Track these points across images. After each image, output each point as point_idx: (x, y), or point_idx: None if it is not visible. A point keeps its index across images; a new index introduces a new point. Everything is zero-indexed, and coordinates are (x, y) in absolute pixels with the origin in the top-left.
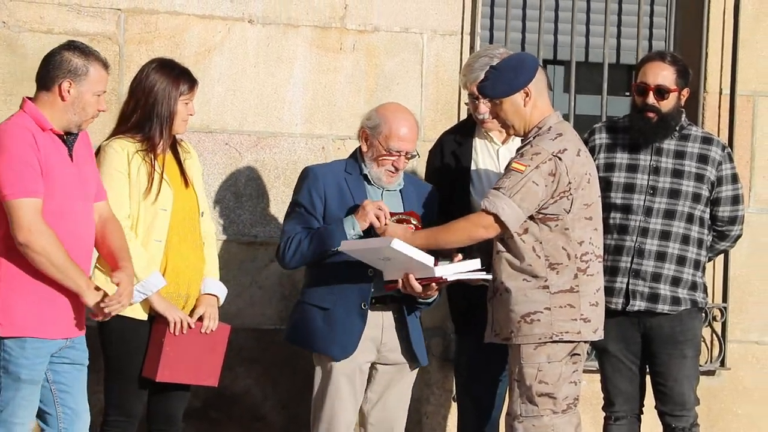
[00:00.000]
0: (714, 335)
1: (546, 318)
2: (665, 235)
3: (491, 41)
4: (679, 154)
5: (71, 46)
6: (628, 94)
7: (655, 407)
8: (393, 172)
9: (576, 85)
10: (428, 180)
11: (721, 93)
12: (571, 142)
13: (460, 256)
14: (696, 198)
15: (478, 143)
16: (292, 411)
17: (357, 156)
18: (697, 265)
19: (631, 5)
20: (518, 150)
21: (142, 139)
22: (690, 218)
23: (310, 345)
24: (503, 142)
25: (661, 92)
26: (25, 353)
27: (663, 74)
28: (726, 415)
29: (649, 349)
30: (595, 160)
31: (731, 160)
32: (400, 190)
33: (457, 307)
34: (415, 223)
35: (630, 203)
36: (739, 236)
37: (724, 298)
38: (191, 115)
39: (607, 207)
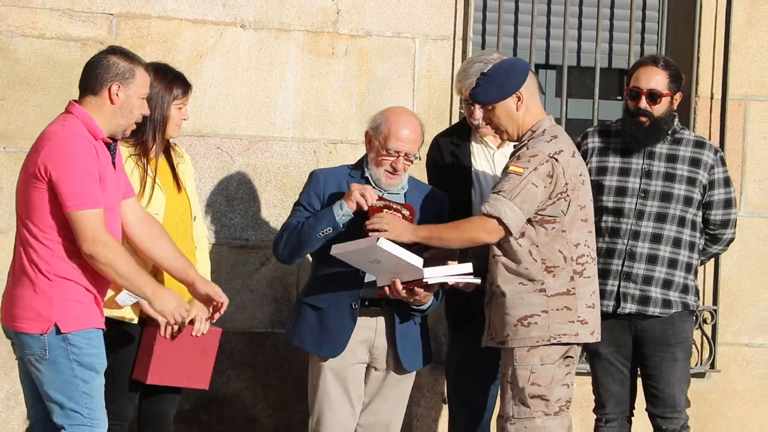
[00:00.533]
0: (704, 338)
1: (543, 321)
2: (656, 238)
3: (483, 46)
4: (672, 158)
5: (115, 50)
6: (620, 98)
7: (646, 410)
8: (392, 174)
9: (568, 89)
10: (430, 181)
11: (712, 97)
12: (566, 144)
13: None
14: (688, 201)
15: (474, 147)
16: (284, 414)
17: (363, 160)
18: (689, 268)
19: (623, 10)
20: (513, 153)
21: (135, 143)
22: (682, 221)
23: (304, 344)
24: (498, 147)
25: (654, 97)
26: (92, 343)
27: (656, 79)
28: (716, 417)
29: (641, 352)
30: (587, 164)
31: (723, 163)
32: (405, 195)
33: (452, 309)
34: (406, 214)
35: (622, 206)
36: (732, 240)
37: (715, 301)
38: (185, 119)
39: (599, 210)
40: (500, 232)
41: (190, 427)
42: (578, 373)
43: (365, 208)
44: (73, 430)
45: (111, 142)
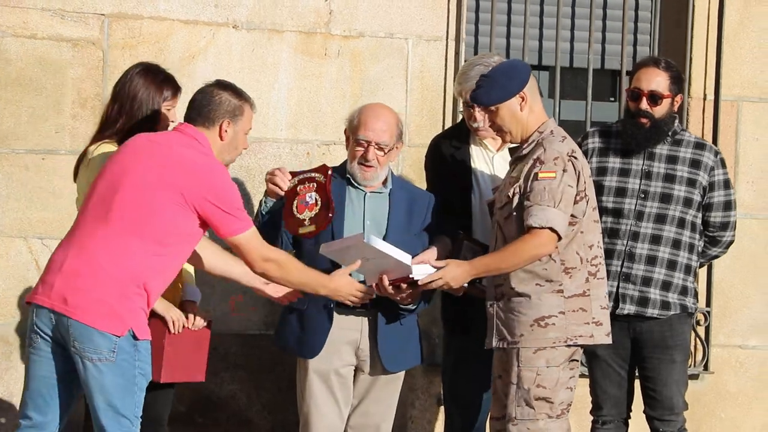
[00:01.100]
0: (698, 339)
1: (561, 322)
2: (656, 239)
3: (476, 47)
4: (672, 159)
5: (225, 86)
6: (612, 99)
7: (644, 412)
8: (365, 165)
9: (561, 90)
10: (430, 184)
11: (705, 98)
12: (575, 144)
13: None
14: (687, 203)
15: (473, 150)
16: (278, 416)
17: (346, 161)
18: (688, 269)
19: (615, 11)
20: (519, 156)
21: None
22: (681, 223)
23: (287, 346)
24: (498, 150)
25: (655, 98)
26: (149, 354)
27: (657, 80)
28: (709, 419)
29: (639, 354)
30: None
31: (724, 166)
32: (389, 194)
33: (448, 311)
34: (319, 178)
35: (621, 207)
36: (731, 242)
37: (708, 303)
38: (173, 121)
39: (599, 211)
40: (554, 241)
41: (185, 429)
42: None
43: (282, 194)
44: None
45: None
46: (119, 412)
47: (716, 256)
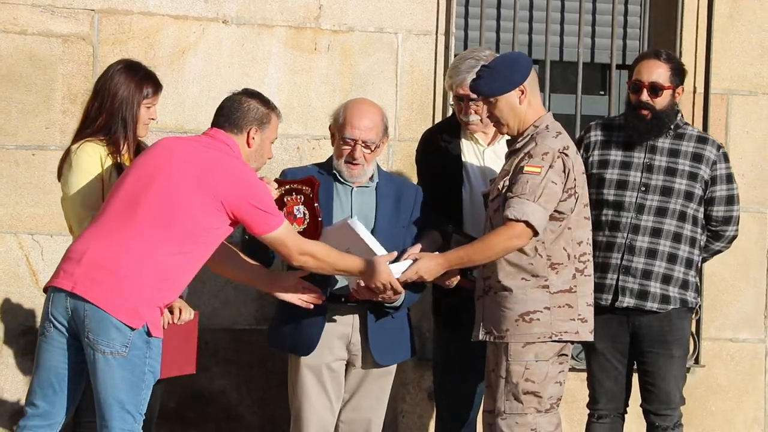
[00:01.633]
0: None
1: (546, 317)
2: (656, 233)
3: (465, 41)
4: (674, 152)
5: (253, 94)
6: (602, 93)
7: (641, 405)
8: (352, 164)
9: (550, 84)
10: (421, 178)
11: (695, 91)
12: (569, 140)
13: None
14: (689, 196)
15: (464, 144)
16: (269, 411)
17: (332, 158)
18: (689, 263)
19: (605, 4)
20: (513, 149)
21: (107, 141)
22: (682, 216)
23: (282, 346)
24: (489, 144)
25: (655, 89)
26: (159, 352)
27: (657, 71)
28: (700, 412)
29: (638, 348)
30: (589, 157)
31: (727, 160)
32: (376, 188)
33: (439, 306)
34: (307, 191)
35: (622, 200)
36: (734, 237)
37: (699, 296)
38: (152, 119)
39: (600, 204)
40: (529, 235)
41: (175, 424)
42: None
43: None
44: None
45: None
46: (125, 407)
47: (719, 251)
